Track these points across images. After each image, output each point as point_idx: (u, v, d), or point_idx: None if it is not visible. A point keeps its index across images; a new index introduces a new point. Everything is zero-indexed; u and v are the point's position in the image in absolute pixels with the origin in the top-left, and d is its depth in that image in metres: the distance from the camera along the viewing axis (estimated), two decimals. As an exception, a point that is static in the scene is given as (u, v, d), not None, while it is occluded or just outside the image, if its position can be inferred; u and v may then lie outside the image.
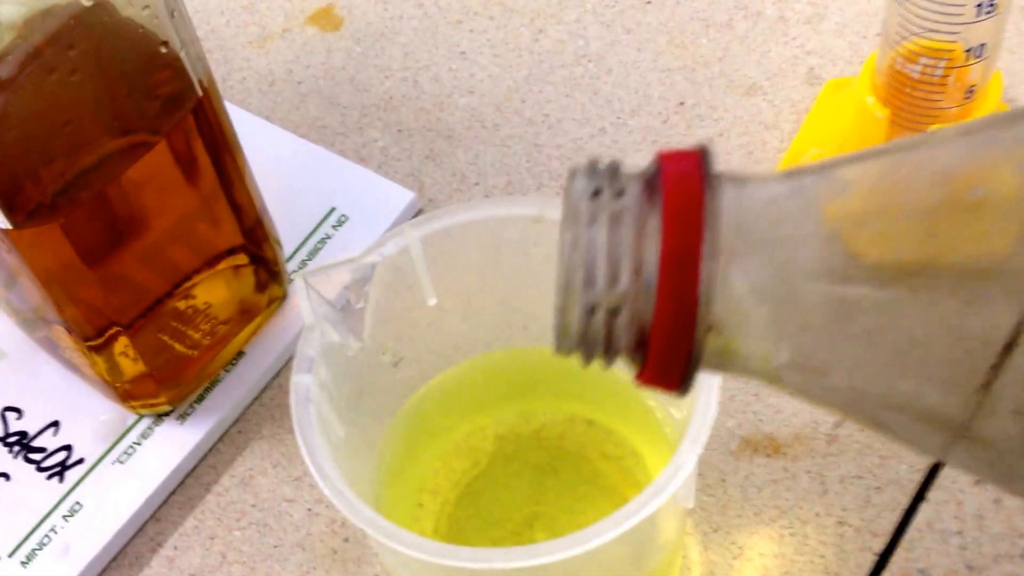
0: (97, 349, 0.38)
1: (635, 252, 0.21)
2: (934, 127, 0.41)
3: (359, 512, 0.27)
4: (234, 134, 0.39)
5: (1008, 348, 0.20)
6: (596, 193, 0.21)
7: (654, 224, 0.20)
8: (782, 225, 0.21)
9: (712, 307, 0.20)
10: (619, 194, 0.21)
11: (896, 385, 0.21)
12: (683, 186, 0.20)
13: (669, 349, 0.21)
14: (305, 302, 0.30)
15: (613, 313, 0.21)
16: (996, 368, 0.20)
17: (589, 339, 0.21)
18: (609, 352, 0.21)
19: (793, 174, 0.21)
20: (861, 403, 0.22)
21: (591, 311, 0.21)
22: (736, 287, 0.20)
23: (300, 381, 0.29)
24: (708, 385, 0.28)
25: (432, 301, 0.34)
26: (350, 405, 0.32)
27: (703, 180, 0.21)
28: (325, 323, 0.31)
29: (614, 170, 0.22)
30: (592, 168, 0.22)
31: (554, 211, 0.32)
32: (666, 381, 0.21)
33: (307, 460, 0.28)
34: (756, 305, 0.20)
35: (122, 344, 0.39)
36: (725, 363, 0.22)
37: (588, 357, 0.22)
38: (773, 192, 0.21)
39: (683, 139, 0.47)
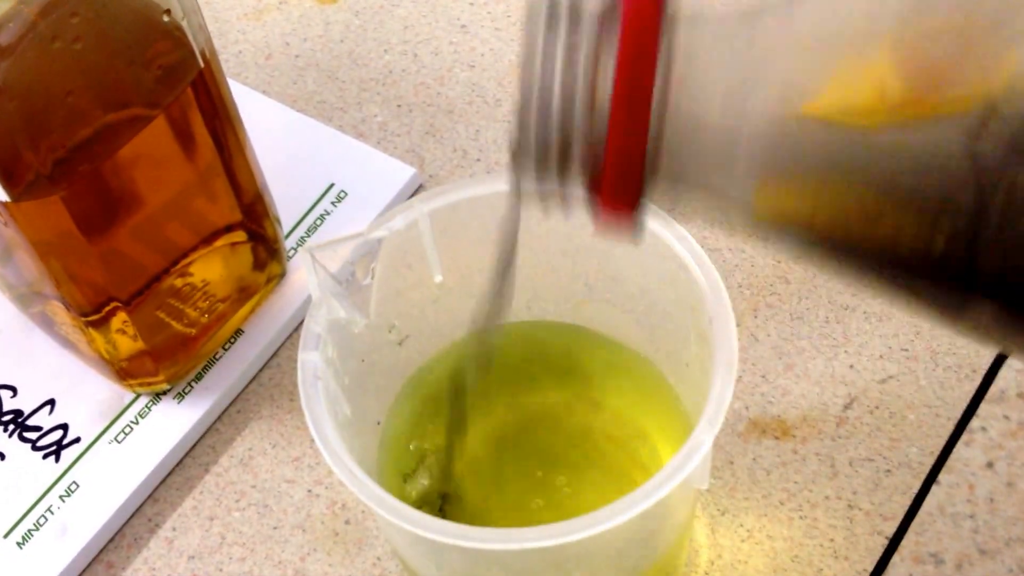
0: (95, 325, 0.38)
1: (591, 68, 0.21)
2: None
3: (371, 492, 0.27)
4: (235, 108, 0.38)
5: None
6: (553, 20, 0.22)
7: (610, 44, 0.21)
8: (734, 61, 0.21)
9: (664, 126, 0.21)
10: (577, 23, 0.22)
11: (871, 206, 0.21)
12: (641, 14, 0.21)
13: (623, 166, 0.22)
14: (312, 277, 0.29)
15: (567, 130, 0.22)
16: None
17: (545, 152, 0.22)
18: (564, 167, 0.22)
19: (750, 11, 0.22)
20: (820, 244, 0.22)
21: (547, 125, 0.22)
22: (686, 108, 0.21)
23: (308, 359, 0.29)
24: (726, 364, 0.28)
25: (439, 278, 0.33)
26: (355, 382, 0.31)
27: (660, 11, 0.21)
28: (331, 299, 0.30)
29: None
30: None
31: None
32: (621, 201, 0.22)
33: (316, 438, 0.27)
34: (704, 130, 0.21)
35: (120, 320, 0.38)
36: (678, 191, 0.23)
37: (542, 171, 0.23)
38: (728, 27, 0.22)
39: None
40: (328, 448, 0.27)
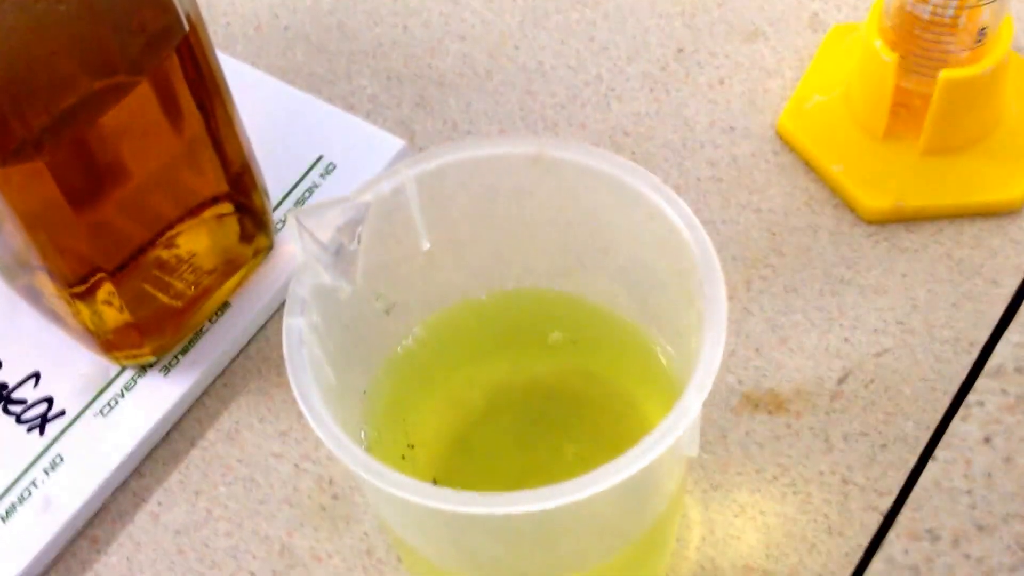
0: (80, 296, 0.37)
1: None
2: (943, 73, 0.39)
3: (357, 457, 0.26)
4: (221, 76, 0.38)
5: None
6: None
7: None
8: None
9: None
10: None
11: None
12: None
13: None
14: (297, 242, 0.29)
15: None
16: None
17: None
18: None
19: None
20: None
21: None
22: None
23: (293, 323, 0.28)
24: (715, 327, 0.27)
25: (426, 245, 0.32)
26: (340, 351, 0.31)
27: None
28: (317, 264, 0.29)
29: None
30: None
31: (552, 150, 0.30)
32: None
33: (301, 403, 0.27)
34: None
35: (106, 292, 0.37)
36: None
37: None
38: None
39: (682, 86, 0.46)
40: (313, 413, 0.27)
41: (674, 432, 0.26)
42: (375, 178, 0.30)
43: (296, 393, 0.27)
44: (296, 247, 0.29)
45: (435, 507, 0.26)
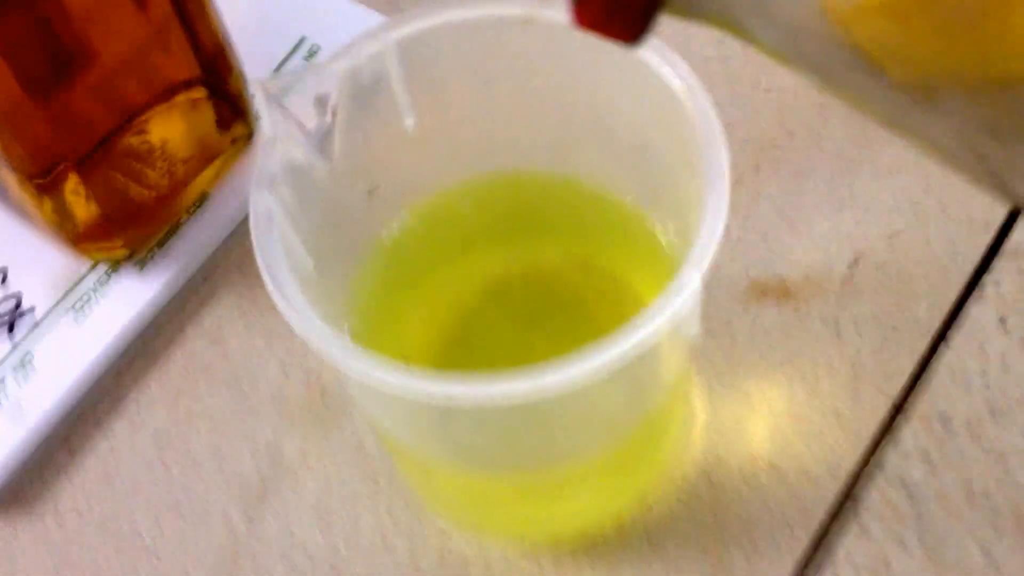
0: (45, 188, 0.35)
1: None
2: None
3: (332, 343, 0.24)
4: (190, -53, 0.35)
5: None
6: None
7: None
8: None
9: None
10: None
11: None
12: None
13: None
14: (265, 114, 0.27)
15: None
16: None
17: None
18: None
19: None
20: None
21: None
22: None
23: (260, 199, 0.26)
24: (717, 194, 0.25)
25: (409, 121, 0.30)
26: (318, 235, 0.29)
27: None
28: (289, 141, 0.27)
29: None
30: None
31: (545, 11, 0.28)
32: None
33: (270, 287, 0.25)
34: None
35: (72, 183, 0.35)
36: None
37: None
38: None
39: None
40: (281, 292, 0.25)
41: (672, 307, 0.24)
42: (351, 43, 0.28)
43: (265, 277, 0.25)
44: (263, 119, 0.27)
45: (421, 391, 0.24)
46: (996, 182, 0.18)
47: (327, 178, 0.29)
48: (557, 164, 0.33)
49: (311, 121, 0.27)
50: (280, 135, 0.27)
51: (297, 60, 0.42)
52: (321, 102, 0.28)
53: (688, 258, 0.24)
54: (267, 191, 0.26)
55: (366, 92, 0.29)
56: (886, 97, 0.18)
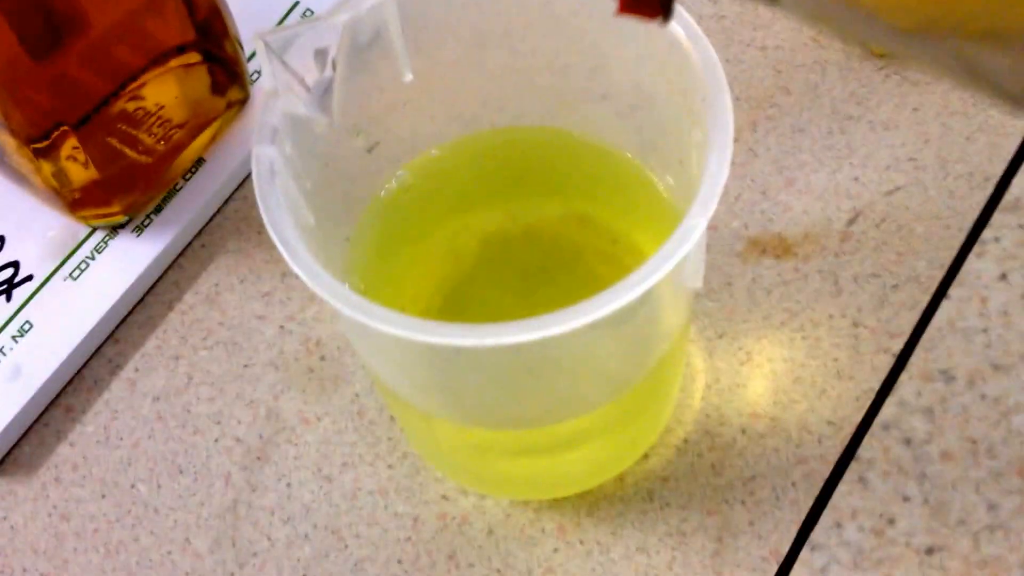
0: (43, 152, 0.35)
1: None
2: None
3: (338, 293, 0.24)
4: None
5: None
6: None
7: None
8: None
9: None
10: None
11: None
12: None
13: None
14: (266, 67, 0.26)
15: None
16: None
17: None
18: None
19: None
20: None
21: None
22: None
23: (263, 152, 0.26)
24: (720, 143, 0.25)
25: (408, 76, 0.30)
26: (319, 190, 0.28)
27: None
28: (289, 94, 0.27)
29: None
30: None
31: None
32: None
33: (274, 237, 0.25)
34: None
35: (69, 147, 0.35)
36: None
37: None
38: None
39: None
40: (288, 248, 0.25)
41: (675, 256, 0.24)
42: (349, -3, 0.28)
43: (270, 230, 0.25)
44: (264, 72, 0.26)
45: (427, 342, 0.24)
46: (993, 86, 0.18)
47: (327, 133, 0.29)
48: (555, 119, 0.33)
49: (311, 75, 0.27)
50: (281, 88, 0.27)
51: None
52: (321, 56, 0.27)
53: (695, 201, 0.24)
54: (269, 144, 0.26)
55: (365, 46, 0.29)
56: (883, 36, 0.18)
